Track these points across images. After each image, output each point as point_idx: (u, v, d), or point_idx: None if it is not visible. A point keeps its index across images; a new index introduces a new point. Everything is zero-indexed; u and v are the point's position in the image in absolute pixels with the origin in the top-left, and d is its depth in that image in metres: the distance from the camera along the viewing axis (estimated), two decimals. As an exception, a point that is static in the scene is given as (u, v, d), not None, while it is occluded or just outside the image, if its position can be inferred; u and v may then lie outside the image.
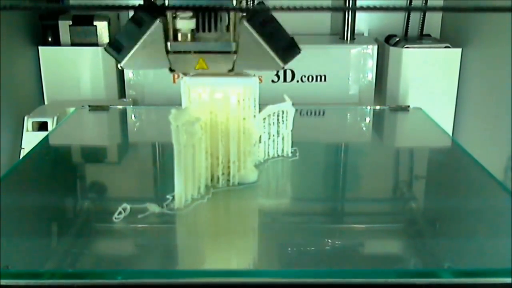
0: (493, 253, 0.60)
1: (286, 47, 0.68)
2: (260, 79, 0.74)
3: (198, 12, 0.68)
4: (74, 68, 1.33)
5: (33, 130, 1.17)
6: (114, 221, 0.64)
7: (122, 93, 1.37)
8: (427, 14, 1.46)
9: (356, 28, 1.43)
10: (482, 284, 0.53)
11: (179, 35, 0.68)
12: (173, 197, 0.68)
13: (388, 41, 1.40)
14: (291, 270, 0.57)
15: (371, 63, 1.35)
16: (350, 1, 1.39)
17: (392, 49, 1.34)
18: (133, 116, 1.16)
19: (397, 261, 0.61)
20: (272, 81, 1.34)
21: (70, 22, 1.32)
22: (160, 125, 0.88)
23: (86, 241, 0.64)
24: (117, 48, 0.68)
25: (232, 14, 0.67)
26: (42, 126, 1.18)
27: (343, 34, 1.41)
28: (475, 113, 1.29)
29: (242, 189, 0.74)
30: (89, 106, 1.11)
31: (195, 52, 0.69)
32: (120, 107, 1.16)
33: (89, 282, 0.53)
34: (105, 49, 0.69)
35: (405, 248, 0.64)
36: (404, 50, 1.31)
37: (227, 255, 0.60)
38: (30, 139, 1.14)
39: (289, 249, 0.61)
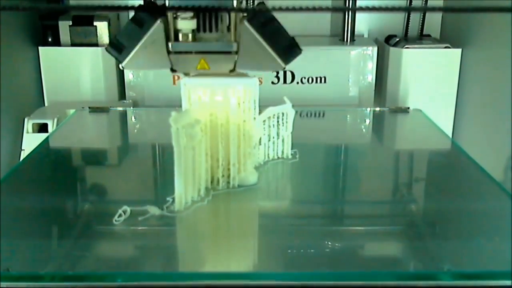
0: (493, 255, 0.60)
1: (287, 47, 0.68)
2: (259, 81, 0.74)
3: (199, 12, 0.68)
4: (74, 69, 1.33)
5: (33, 131, 1.17)
6: (114, 224, 0.65)
7: (122, 94, 1.36)
8: (427, 14, 1.46)
9: (356, 28, 1.43)
10: (482, 286, 0.53)
11: (180, 35, 0.68)
12: (173, 199, 0.68)
13: (388, 42, 1.40)
14: (291, 273, 0.57)
15: (371, 65, 1.35)
16: (350, 2, 1.39)
17: (392, 50, 1.34)
18: (133, 118, 1.16)
19: (397, 263, 0.62)
20: (272, 82, 1.34)
21: (70, 22, 1.32)
22: (160, 127, 0.88)
23: (86, 244, 0.64)
24: (118, 48, 0.69)
25: (232, 14, 0.68)
26: (42, 128, 1.18)
27: (343, 36, 1.41)
28: (475, 113, 1.29)
29: (242, 191, 0.74)
30: (89, 107, 1.11)
31: (196, 52, 0.69)
32: (120, 108, 1.16)
33: (90, 285, 0.54)
34: (106, 49, 0.69)
35: (404, 250, 0.64)
36: (404, 50, 1.31)
37: (227, 258, 0.60)
38: (30, 141, 1.14)
39: (289, 251, 0.61)
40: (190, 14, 0.67)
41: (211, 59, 0.69)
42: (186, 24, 0.67)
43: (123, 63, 0.69)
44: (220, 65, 0.69)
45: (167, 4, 0.67)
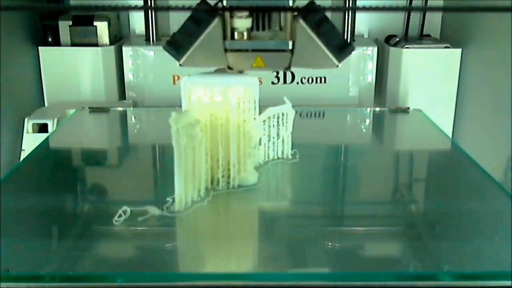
0: (492, 255, 0.60)
1: (340, 46, 0.70)
2: (259, 81, 0.74)
3: (256, 11, 0.69)
4: (74, 69, 1.33)
5: (33, 132, 1.17)
6: (114, 224, 0.65)
7: (122, 94, 1.36)
8: (427, 14, 1.46)
9: (356, 28, 1.43)
10: (481, 287, 0.53)
11: (236, 33, 0.69)
12: (173, 199, 0.68)
13: (388, 42, 1.40)
14: (291, 273, 0.57)
15: (371, 65, 1.35)
16: (350, 2, 1.39)
17: (392, 50, 1.34)
18: (133, 118, 1.16)
19: (397, 263, 0.62)
20: (272, 83, 1.34)
21: (70, 23, 1.31)
22: (160, 127, 0.88)
23: (86, 244, 0.64)
24: (175, 46, 0.69)
25: (287, 14, 0.69)
26: (43, 128, 1.18)
27: (343, 36, 1.41)
28: (475, 113, 1.29)
29: (242, 192, 0.74)
30: (89, 107, 1.11)
31: (252, 50, 0.69)
32: (120, 109, 1.16)
33: (90, 285, 0.54)
34: (164, 48, 0.70)
35: (404, 250, 0.64)
36: (404, 50, 1.31)
37: (227, 258, 0.60)
38: (30, 141, 1.14)
39: (289, 251, 0.61)
40: (246, 13, 0.68)
41: (267, 57, 0.70)
42: (242, 22, 0.68)
43: (181, 61, 0.69)
44: (275, 63, 0.70)
45: (224, 4, 0.67)
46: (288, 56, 0.69)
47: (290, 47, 0.69)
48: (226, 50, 0.69)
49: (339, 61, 0.70)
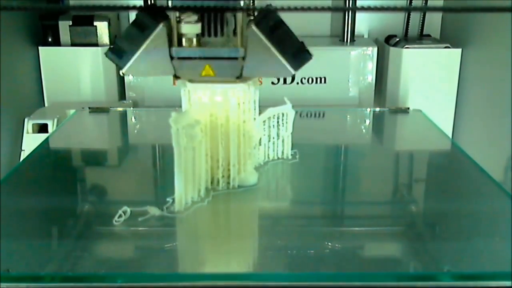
0: (492, 256, 0.60)
1: (297, 53, 0.65)
2: (259, 81, 0.73)
3: (204, 15, 0.65)
4: (74, 69, 1.33)
5: (33, 132, 1.17)
6: (114, 224, 0.65)
7: (122, 95, 1.37)
8: (427, 14, 1.46)
9: (356, 28, 1.43)
10: (481, 287, 0.53)
11: (184, 40, 0.65)
12: (173, 200, 0.68)
13: (388, 42, 1.40)
14: (291, 273, 0.57)
15: (371, 65, 1.35)
16: (350, 2, 1.39)
17: (392, 50, 1.34)
18: (133, 118, 1.16)
19: (397, 264, 0.62)
20: (272, 83, 1.34)
21: (70, 22, 1.32)
22: (160, 127, 0.87)
23: (86, 244, 0.64)
24: (118, 53, 0.66)
25: (239, 17, 0.65)
26: (43, 128, 1.18)
27: (343, 36, 1.41)
28: (475, 113, 1.29)
29: (242, 192, 0.74)
30: (89, 108, 1.11)
31: (201, 58, 0.66)
32: (120, 109, 1.16)
33: (90, 285, 0.54)
34: (106, 55, 0.66)
35: (404, 251, 0.64)
36: (404, 50, 1.31)
37: (227, 258, 0.60)
38: (30, 141, 1.14)
39: (289, 252, 0.61)
40: (195, 17, 0.65)
41: (217, 65, 0.66)
42: (190, 28, 0.65)
43: (124, 69, 0.66)
44: (226, 72, 0.67)
45: (169, 5, 0.64)
46: (240, 64, 0.65)
47: (242, 54, 0.65)
48: (172, 58, 0.65)
49: (295, 69, 0.65)
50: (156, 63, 0.65)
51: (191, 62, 0.66)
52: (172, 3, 0.64)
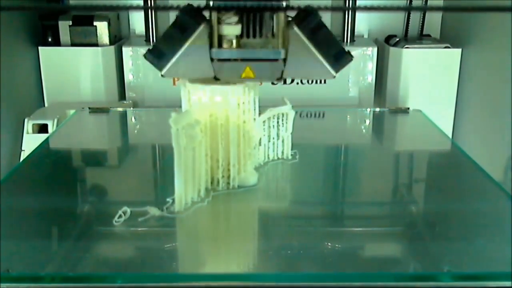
0: (493, 256, 0.60)
1: (337, 55, 0.65)
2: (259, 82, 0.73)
3: (243, 16, 0.64)
4: (74, 69, 1.33)
5: (34, 132, 1.17)
6: (114, 224, 0.65)
7: (122, 95, 1.37)
8: (427, 14, 1.46)
9: (356, 28, 1.43)
10: (481, 287, 0.53)
11: (224, 41, 0.65)
12: (173, 200, 0.68)
13: (388, 42, 1.40)
14: (290, 274, 0.57)
15: (371, 65, 1.35)
16: (350, 2, 1.39)
17: (392, 50, 1.35)
18: (133, 118, 1.16)
19: (397, 264, 0.62)
20: (272, 83, 1.33)
21: (70, 22, 1.32)
22: (160, 128, 0.88)
23: (86, 245, 0.64)
24: (157, 55, 0.65)
25: (280, 18, 0.64)
26: (43, 128, 1.18)
27: (343, 36, 1.41)
28: (475, 113, 1.29)
29: (242, 192, 0.74)
30: (89, 108, 1.11)
31: (241, 60, 0.65)
32: (120, 109, 1.16)
33: (90, 286, 0.54)
34: (144, 57, 0.65)
35: (404, 251, 0.64)
36: (404, 50, 1.32)
37: (227, 259, 0.60)
38: (30, 141, 1.14)
39: (289, 252, 0.61)
40: (235, 19, 0.64)
41: (257, 67, 0.65)
42: (230, 29, 0.64)
43: (163, 71, 0.65)
44: (266, 74, 0.65)
45: (211, 5, 0.63)
46: (281, 66, 0.65)
47: (283, 56, 0.64)
48: (212, 60, 0.64)
49: (336, 71, 0.65)
50: (196, 64, 0.65)
51: (231, 63, 0.65)
52: (213, 3, 0.63)
